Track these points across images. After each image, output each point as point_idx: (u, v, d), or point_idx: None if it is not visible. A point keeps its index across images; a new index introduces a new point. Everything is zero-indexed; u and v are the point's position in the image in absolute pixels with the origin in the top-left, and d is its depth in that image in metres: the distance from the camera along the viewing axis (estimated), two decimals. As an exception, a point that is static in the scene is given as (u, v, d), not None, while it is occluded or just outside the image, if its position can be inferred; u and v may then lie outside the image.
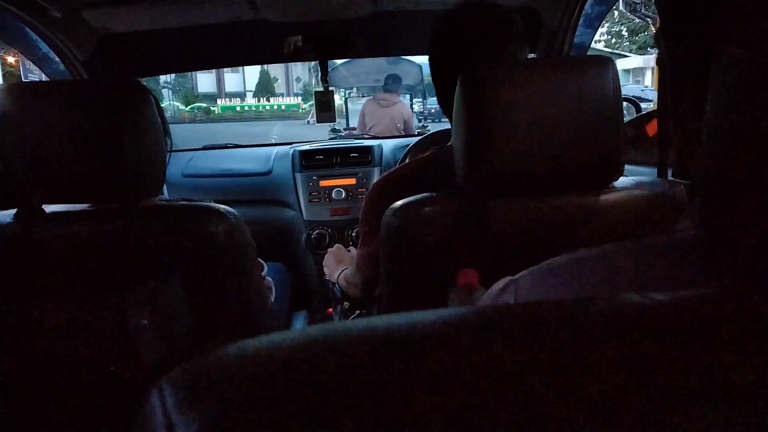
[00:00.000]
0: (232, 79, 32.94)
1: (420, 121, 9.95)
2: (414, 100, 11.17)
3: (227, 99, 28.51)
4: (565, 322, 0.21)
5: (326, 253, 1.57)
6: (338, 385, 0.19)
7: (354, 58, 1.92)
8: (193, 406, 0.19)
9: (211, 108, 27.08)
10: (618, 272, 0.40)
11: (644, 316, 0.22)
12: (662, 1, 0.37)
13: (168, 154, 1.08)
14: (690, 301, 0.23)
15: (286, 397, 0.19)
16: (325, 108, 1.99)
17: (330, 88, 2.03)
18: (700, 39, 0.29)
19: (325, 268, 1.51)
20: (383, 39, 2.00)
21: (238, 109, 27.40)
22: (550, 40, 1.68)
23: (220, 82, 32.50)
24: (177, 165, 2.29)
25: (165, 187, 2.18)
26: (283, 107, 27.37)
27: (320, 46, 1.83)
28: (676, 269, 0.36)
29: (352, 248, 1.58)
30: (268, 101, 28.22)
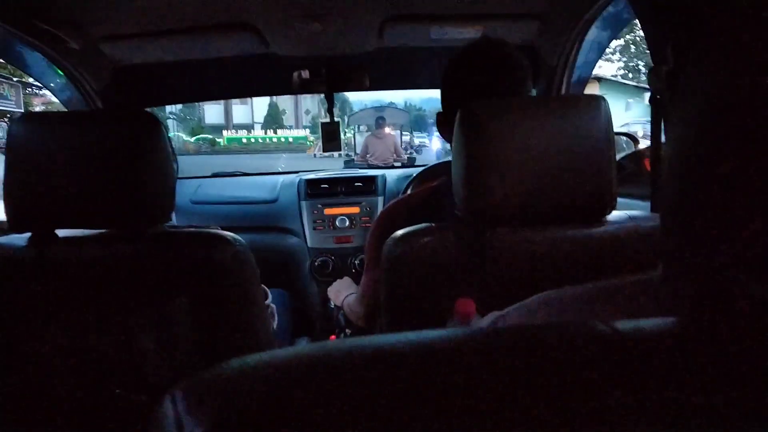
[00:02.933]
0: (240, 110, 32.57)
1: (406, 150, 11.89)
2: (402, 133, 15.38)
3: (234, 131, 27.89)
4: (528, 346, 0.24)
5: (330, 280, 1.61)
6: (334, 394, 0.22)
7: (359, 91, 1.97)
8: (201, 410, 0.22)
9: (217, 139, 26.25)
10: (599, 311, 0.42)
11: (603, 344, 0.24)
12: (649, 31, 0.38)
13: (175, 180, 1.12)
14: (647, 331, 0.25)
15: (286, 403, 0.22)
16: (331, 138, 2.05)
17: (336, 120, 2.09)
18: (673, 72, 0.31)
19: (330, 293, 1.54)
20: (387, 73, 2.05)
21: (244, 141, 26.53)
22: (549, 76, 1.73)
23: (228, 113, 32.09)
24: (186, 192, 2.34)
25: (174, 213, 2.22)
26: (290, 139, 26.65)
27: (327, 79, 1.89)
28: (657, 305, 0.38)
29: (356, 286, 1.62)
30: (275, 133, 27.63)
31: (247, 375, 0.24)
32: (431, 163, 2.32)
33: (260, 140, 26.81)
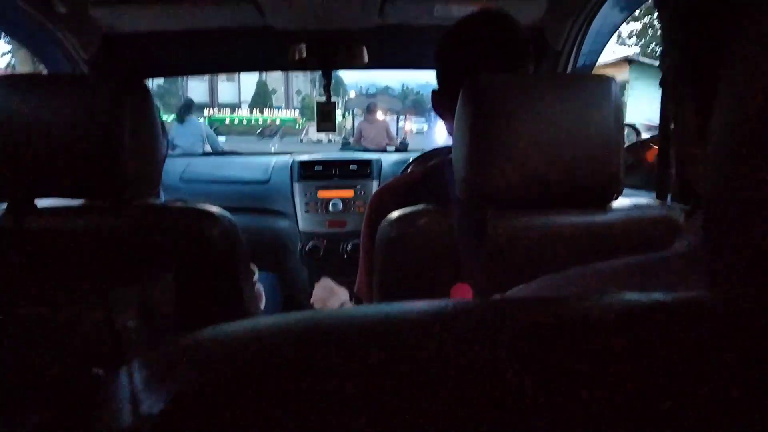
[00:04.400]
0: (226, 88, 30.77)
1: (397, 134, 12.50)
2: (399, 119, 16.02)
3: (217, 110, 25.91)
4: (557, 317, 0.20)
5: (320, 265, 1.53)
6: (316, 370, 0.18)
7: (357, 68, 1.93)
8: (162, 386, 0.18)
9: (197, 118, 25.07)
10: (609, 289, 0.39)
11: (646, 313, 0.21)
12: (667, 12, 0.37)
13: (163, 153, 1.07)
14: (692, 301, 0.22)
15: (262, 380, 0.18)
16: (326, 118, 2.00)
17: (332, 100, 2.04)
18: (709, 46, 0.29)
19: (315, 304, 1.42)
20: (387, 52, 2.00)
21: (227, 121, 24.32)
22: (554, 59, 1.69)
23: (213, 91, 30.29)
24: (175, 170, 2.29)
25: (162, 191, 2.18)
26: (277, 121, 24.69)
27: (325, 56, 1.84)
28: (668, 286, 0.35)
29: (342, 289, 1.48)
30: (262, 113, 25.97)
31: (220, 345, 0.21)
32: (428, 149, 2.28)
33: (245, 121, 24.84)
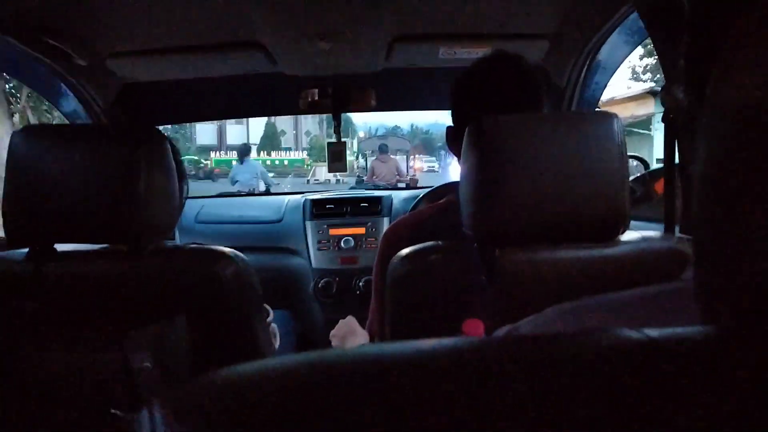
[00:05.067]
0: (235, 130, 30.56)
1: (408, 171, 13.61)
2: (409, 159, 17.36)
3: (225, 152, 25.22)
4: (559, 354, 0.22)
5: (333, 302, 1.51)
6: (328, 408, 0.19)
7: (366, 111, 1.97)
8: (181, 426, 0.20)
9: (204, 161, 23.72)
10: (619, 319, 0.40)
11: (639, 352, 0.22)
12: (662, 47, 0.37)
13: (183, 200, 1.10)
14: (684, 338, 0.23)
15: (275, 421, 0.19)
16: (337, 158, 2.04)
17: (343, 140, 2.08)
18: (700, 88, 0.30)
19: (333, 339, 1.40)
20: (395, 94, 2.05)
21: (234, 163, 24.41)
22: (558, 97, 1.72)
23: (221, 134, 30.07)
24: (191, 211, 2.33)
25: (177, 232, 2.21)
26: (285, 162, 24.84)
27: (335, 99, 1.89)
28: (676, 316, 0.36)
29: (363, 332, 1.43)
30: (269, 155, 25.82)
31: (237, 385, 0.22)
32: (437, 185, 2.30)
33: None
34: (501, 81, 1.04)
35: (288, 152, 28.08)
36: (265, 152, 27.12)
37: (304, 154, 26.84)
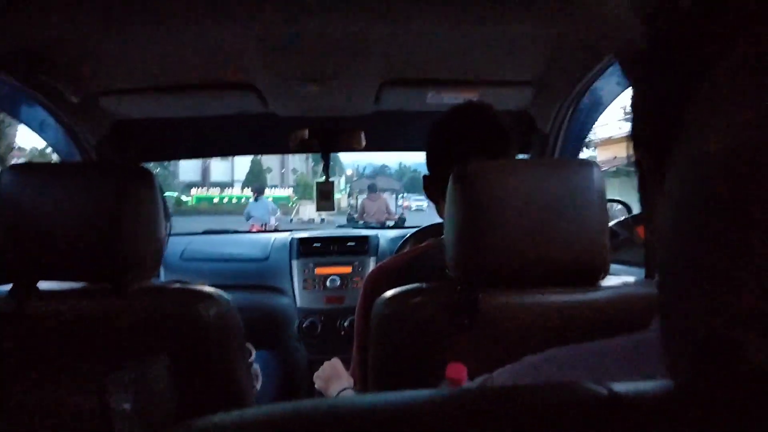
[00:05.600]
0: (220, 167, 29.83)
1: (396, 209, 13.78)
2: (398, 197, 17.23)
3: (206, 189, 24.23)
4: (521, 407, 0.22)
5: (317, 343, 1.49)
6: None
7: (355, 151, 1.99)
8: None
9: (183, 199, 22.44)
10: (590, 371, 0.40)
11: (598, 405, 0.22)
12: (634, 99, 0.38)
13: (167, 237, 1.10)
14: (645, 393, 0.23)
15: None
16: (325, 197, 2.05)
17: (331, 180, 2.10)
18: (661, 141, 0.30)
19: (317, 380, 1.38)
20: (384, 136, 2.08)
21: (215, 200, 22.75)
22: (543, 142, 1.75)
23: (205, 170, 29.07)
24: (176, 248, 2.32)
25: (162, 269, 2.19)
26: (270, 199, 23.83)
27: (325, 140, 1.92)
28: (645, 367, 0.36)
29: (348, 375, 1.40)
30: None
31: None
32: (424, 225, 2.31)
33: (234, 200, 23.10)
34: (469, 130, 1.09)
35: (273, 189, 26.99)
36: (250, 189, 25.98)
37: (290, 192, 26.11)
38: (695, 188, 0.24)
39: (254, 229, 6.21)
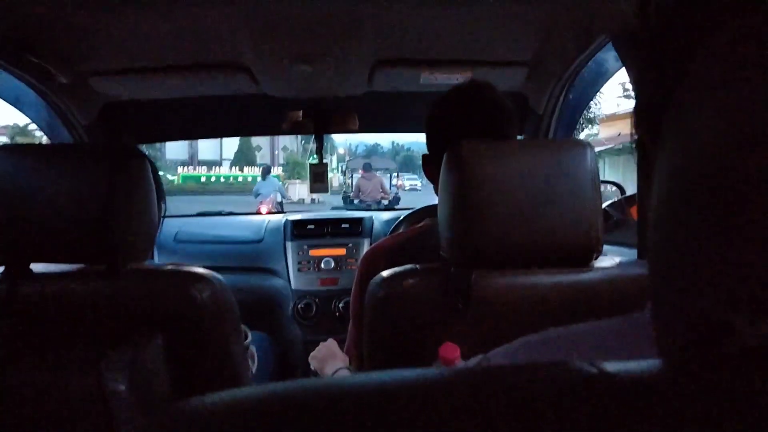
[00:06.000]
0: (208, 145, 28.44)
1: (390, 188, 13.93)
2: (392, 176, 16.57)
3: (194, 168, 23.36)
4: (511, 386, 0.22)
5: (312, 324, 1.49)
6: None
7: (348, 133, 1.98)
8: None
9: (170, 177, 21.33)
10: (585, 352, 0.41)
11: (591, 386, 0.23)
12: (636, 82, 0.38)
13: (161, 219, 1.10)
14: (635, 372, 0.24)
15: None
16: (319, 179, 2.05)
17: (324, 161, 2.09)
18: (656, 122, 0.30)
19: (312, 361, 1.39)
20: (377, 117, 2.07)
21: (203, 179, 21.68)
22: (536, 123, 1.75)
23: (192, 148, 27.80)
24: (169, 230, 2.31)
25: (156, 251, 2.19)
26: (259, 178, 22.03)
27: (318, 121, 1.91)
28: (639, 348, 0.37)
29: (343, 356, 1.40)
30: (241, 171, 23.63)
31: (207, 416, 0.22)
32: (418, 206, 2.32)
33: (222, 179, 22.30)
34: (472, 110, 1.07)
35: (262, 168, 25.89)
36: (237, 168, 25.01)
37: (280, 171, 24.61)
38: (686, 168, 0.24)
39: (263, 207, 6.39)
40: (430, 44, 1.51)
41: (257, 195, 9.81)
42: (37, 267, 0.99)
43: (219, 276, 1.03)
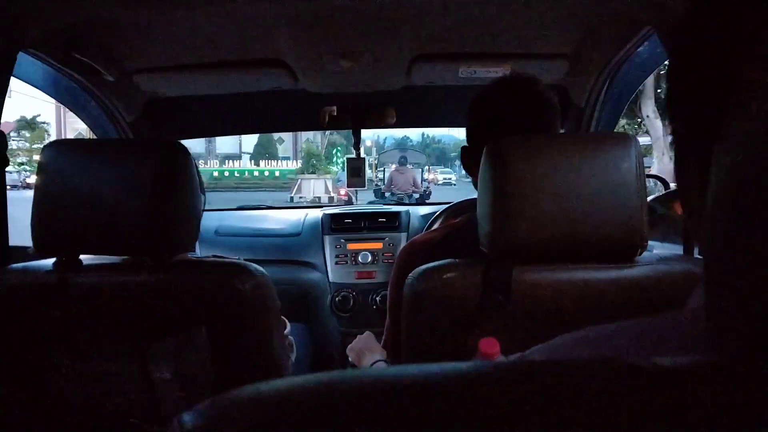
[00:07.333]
0: (227, 138, 26.02)
1: (422, 182, 13.60)
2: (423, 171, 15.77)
3: (207, 162, 22.50)
4: (565, 382, 0.22)
5: (350, 316, 1.50)
6: (347, 425, 0.20)
7: (386, 128, 1.98)
8: None
9: None
10: (629, 349, 0.40)
11: (645, 381, 0.22)
12: (673, 75, 0.37)
13: (201, 211, 1.12)
14: (691, 366, 0.23)
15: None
16: (355, 174, 2.06)
17: (362, 156, 2.10)
18: (706, 113, 0.30)
19: (350, 353, 1.40)
20: (414, 111, 2.07)
21: (215, 174, 20.68)
22: (577, 116, 1.72)
23: (211, 142, 26.68)
24: (210, 223, 2.36)
25: (198, 244, 2.24)
26: (276, 173, 20.95)
27: (355, 116, 1.92)
28: (683, 347, 0.36)
29: (381, 348, 1.40)
30: (258, 165, 22.41)
31: (261, 402, 0.23)
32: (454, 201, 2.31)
33: (236, 174, 21.17)
34: (514, 103, 1.06)
35: (284, 162, 24.39)
36: (254, 162, 23.82)
37: (298, 164, 23.26)
38: (747, 164, 0.23)
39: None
40: (469, 38, 1.50)
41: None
42: (86, 259, 1.02)
43: (261, 268, 1.04)
